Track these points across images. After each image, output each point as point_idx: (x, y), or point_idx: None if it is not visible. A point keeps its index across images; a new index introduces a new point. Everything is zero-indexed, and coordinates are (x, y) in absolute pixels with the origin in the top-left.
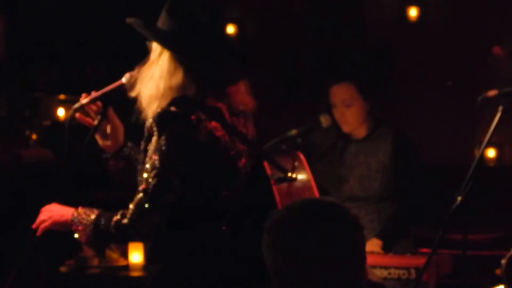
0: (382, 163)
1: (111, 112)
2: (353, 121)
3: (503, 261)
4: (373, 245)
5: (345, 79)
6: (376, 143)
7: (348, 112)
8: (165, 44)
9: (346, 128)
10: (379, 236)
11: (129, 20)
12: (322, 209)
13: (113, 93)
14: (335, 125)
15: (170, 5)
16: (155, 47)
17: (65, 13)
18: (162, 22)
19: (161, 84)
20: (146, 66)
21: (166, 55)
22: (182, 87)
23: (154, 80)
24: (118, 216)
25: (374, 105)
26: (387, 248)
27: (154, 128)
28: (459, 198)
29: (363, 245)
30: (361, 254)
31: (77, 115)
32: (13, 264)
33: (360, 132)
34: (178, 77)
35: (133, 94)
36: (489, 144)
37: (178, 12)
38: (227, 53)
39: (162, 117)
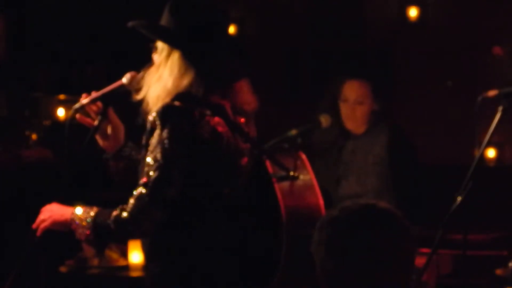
0: (379, 156)
1: (111, 112)
2: (360, 119)
3: (511, 264)
4: None
5: (361, 76)
6: (373, 138)
7: (358, 110)
8: (176, 44)
9: (350, 125)
10: None
11: (132, 23)
12: (376, 214)
13: (113, 93)
14: (336, 123)
15: (173, 4)
16: (162, 47)
17: (65, 13)
18: (165, 22)
19: (170, 84)
20: (154, 67)
21: (175, 55)
22: (191, 86)
23: (163, 80)
24: (117, 211)
25: (381, 107)
26: None
27: (157, 122)
28: (459, 198)
29: (413, 254)
30: (409, 262)
31: (77, 115)
32: (13, 264)
33: (359, 129)
34: (189, 77)
35: (139, 96)
36: (489, 144)
37: (182, 11)
38: (231, 50)
39: (165, 111)
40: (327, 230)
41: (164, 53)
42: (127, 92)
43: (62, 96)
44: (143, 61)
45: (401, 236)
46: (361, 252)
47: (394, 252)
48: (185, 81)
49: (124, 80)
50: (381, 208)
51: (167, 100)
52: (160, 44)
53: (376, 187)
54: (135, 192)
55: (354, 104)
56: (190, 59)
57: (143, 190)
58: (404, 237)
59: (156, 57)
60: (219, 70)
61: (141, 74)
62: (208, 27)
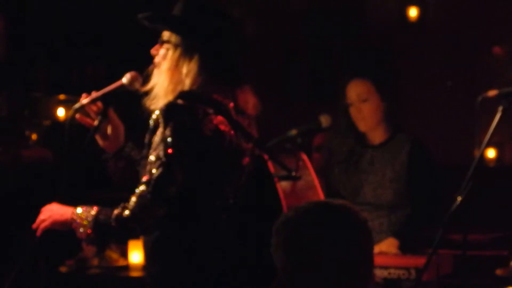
0: (397, 173)
1: (111, 112)
2: (369, 117)
3: None
4: (390, 245)
5: (360, 75)
6: (393, 152)
7: (364, 108)
8: (199, 45)
9: (362, 127)
10: (395, 236)
11: (154, 17)
12: (330, 212)
13: (113, 93)
14: (352, 130)
15: (188, 6)
16: (177, 43)
17: (65, 13)
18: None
19: (187, 83)
20: (167, 62)
21: (195, 54)
22: (203, 86)
23: (177, 77)
24: (119, 210)
25: (391, 105)
26: (403, 249)
27: (160, 120)
28: (459, 198)
29: (371, 249)
30: (368, 257)
31: (77, 115)
32: (13, 264)
33: (377, 136)
34: (204, 77)
35: (147, 87)
36: (489, 144)
37: (198, 11)
38: (240, 53)
39: (168, 110)
40: (283, 232)
41: (180, 51)
42: (127, 92)
43: (62, 96)
44: (143, 61)
45: (357, 231)
46: (318, 251)
47: (352, 247)
48: (199, 80)
49: (124, 80)
50: (335, 204)
51: (171, 97)
52: (173, 40)
53: (390, 201)
54: (137, 190)
55: (359, 103)
56: (207, 60)
57: (145, 188)
58: (360, 232)
59: (164, 51)
60: (230, 72)
61: (150, 68)
62: (223, 28)
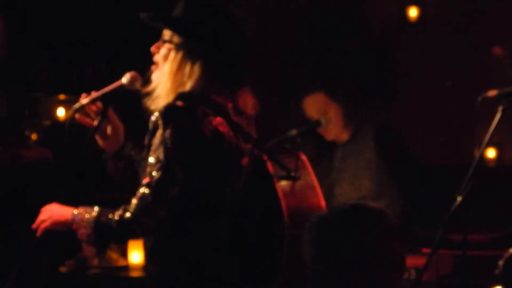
0: (370, 160)
1: (111, 112)
2: (334, 127)
3: (500, 262)
4: None
5: (313, 90)
6: (360, 142)
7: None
8: (204, 48)
9: (329, 137)
10: None
11: (157, 18)
12: (364, 214)
13: (113, 93)
14: (321, 139)
15: (189, 8)
16: (179, 44)
17: (65, 13)
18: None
19: (188, 85)
20: (169, 63)
21: (198, 57)
22: (204, 88)
23: (180, 78)
24: (120, 211)
25: (348, 106)
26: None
27: (160, 122)
28: (459, 198)
29: (402, 253)
30: (399, 261)
31: (77, 115)
32: (13, 264)
33: (344, 136)
34: (205, 79)
35: (148, 89)
36: (489, 144)
37: (199, 13)
38: (240, 55)
39: (168, 111)
40: (316, 230)
41: (183, 53)
42: (127, 92)
43: (62, 96)
44: (143, 61)
45: (390, 235)
46: (349, 252)
47: (383, 251)
48: (201, 82)
49: (124, 80)
50: (370, 207)
51: (170, 98)
52: (176, 41)
53: (370, 190)
54: (137, 193)
55: (320, 117)
56: (210, 63)
57: (146, 190)
58: (393, 236)
59: (165, 51)
60: (231, 74)
61: (150, 68)
62: (225, 29)
